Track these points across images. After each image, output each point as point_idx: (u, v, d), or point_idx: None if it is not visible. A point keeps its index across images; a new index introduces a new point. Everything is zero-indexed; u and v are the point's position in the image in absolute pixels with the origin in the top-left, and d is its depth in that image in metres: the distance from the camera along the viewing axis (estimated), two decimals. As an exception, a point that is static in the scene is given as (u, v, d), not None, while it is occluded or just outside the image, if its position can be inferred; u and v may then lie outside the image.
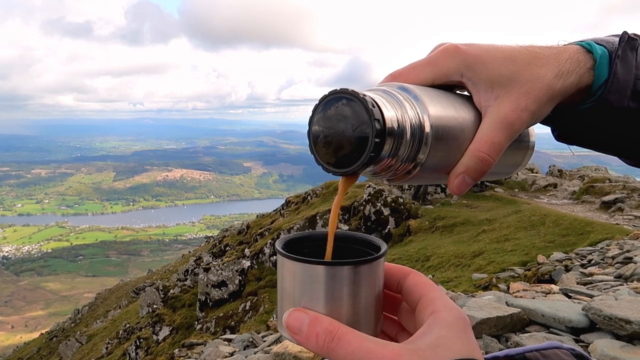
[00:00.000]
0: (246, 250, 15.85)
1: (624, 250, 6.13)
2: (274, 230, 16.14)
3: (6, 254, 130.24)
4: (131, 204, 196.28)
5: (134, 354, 15.55)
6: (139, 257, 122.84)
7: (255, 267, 14.98)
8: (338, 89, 0.50)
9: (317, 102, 0.52)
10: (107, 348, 19.01)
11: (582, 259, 6.45)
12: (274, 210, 21.82)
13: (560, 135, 0.69)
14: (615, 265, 5.51)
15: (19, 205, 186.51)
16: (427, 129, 0.52)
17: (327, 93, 0.51)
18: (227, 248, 18.65)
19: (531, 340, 2.93)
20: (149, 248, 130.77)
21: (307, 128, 0.52)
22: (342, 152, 0.50)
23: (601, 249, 6.73)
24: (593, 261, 6.10)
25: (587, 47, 0.63)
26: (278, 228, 16.04)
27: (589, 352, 2.69)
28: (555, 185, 14.25)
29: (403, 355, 0.45)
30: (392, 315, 0.60)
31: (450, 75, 0.59)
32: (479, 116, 0.58)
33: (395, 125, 0.49)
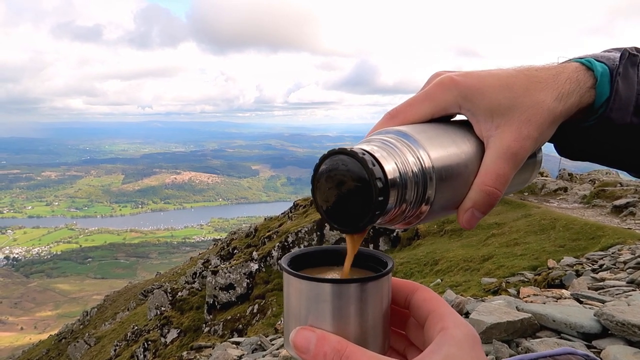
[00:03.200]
0: (254, 253, 15.87)
1: (636, 255, 6.05)
2: (282, 233, 16.15)
3: (16, 256, 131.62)
4: (140, 206, 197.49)
5: (142, 356, 15.61)
6: (147, 260, 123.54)
7: (263, 270, 15.00)
8: (336, 149, 0.50)
9: (317, 163, 0.52)
10: (115, 350, 19.11)
11: (593, 264, 6.38)
12: (282, 213, 21.84)
13: (563, 151, 0.69)
14: (627, 270, 5.45)
15: (29, 207, 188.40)
16: (430, 172, 0.51)
17: (326, 153, 0.50)
18: (235, 251, 18.69)
19: (542, 345, 2.90)
20: (157, 250, 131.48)
21: (311, 187, 0.52)
22: (347, 213, 0.49)
23: (612, 253, 6.66)
24: (604, 266, 6.03)
25: (587, 65, 0.62)
26: (286, 231, 16.04)
27: (601, 359, 2.66)
28: (565, 189, 14.12)
29: None
30: (400, 330, 0.59)
31: (449, 108, 0.59)
32: (481, 146, 0.58)
33: (397, 177, 0.49)
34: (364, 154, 0.48)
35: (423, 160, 0.51)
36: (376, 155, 0.48)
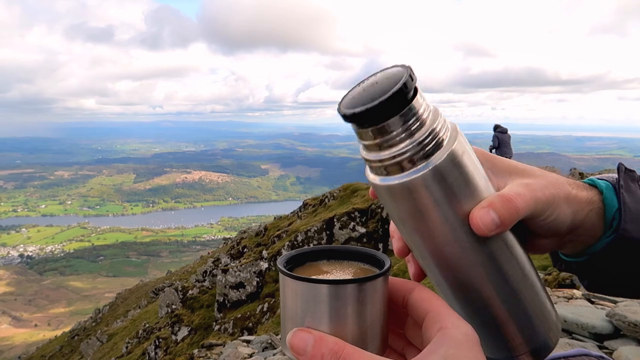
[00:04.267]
0: (264, 252, 15.93)
1: (650, 255, 5.97)
2: (291, 232, 16.19)
3: (30, 254, 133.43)
4: (151, 205, 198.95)
5: (153, 353, 15.74)
6: (158, 258, 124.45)
7: (273, 268, 15.04)
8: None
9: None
10: (127, 347, 19.29)
11: (605, 264, 6.32)
12: (291, 213, 21.87)
13: (590, 285, 0.70)
14: None
15: (43, 206, 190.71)
16: (444, 146, 0.50)
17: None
18: (245, 250, 18.77)
19: (553, 346, 2.88)
20: (168, 249, 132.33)
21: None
22: (369, 99, 0.48)
23: (625, 253, 6.58)
24: (617, 266, 5.98)
25: (589, 183, 0.66)
26: (295, 230, 16.08)
27: (613, 359, 2.63)
28: (577, 188, 13.99)
29: None
30: (398, 330, 0.58)
31: None
32: None
33: (420, 111, 0.49)
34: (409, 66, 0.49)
35: (446, 137, 0.50)
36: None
